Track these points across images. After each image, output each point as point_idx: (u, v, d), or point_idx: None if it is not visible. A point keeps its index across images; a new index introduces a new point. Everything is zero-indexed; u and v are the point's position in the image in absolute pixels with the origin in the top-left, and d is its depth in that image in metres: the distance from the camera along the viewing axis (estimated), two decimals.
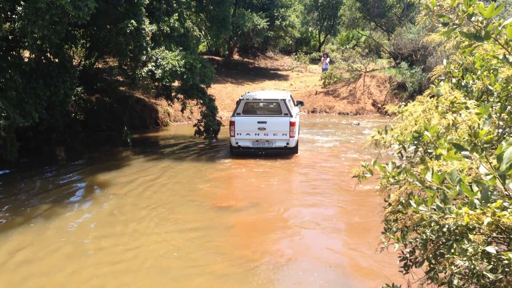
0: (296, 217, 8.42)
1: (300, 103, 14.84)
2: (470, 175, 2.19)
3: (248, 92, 14.09)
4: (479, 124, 2.11)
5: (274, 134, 12.28)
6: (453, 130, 2.35)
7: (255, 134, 12.29)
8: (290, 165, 12.01)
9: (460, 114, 2.34)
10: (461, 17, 2.32)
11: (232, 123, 12.33)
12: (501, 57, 2.52)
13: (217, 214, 8.36)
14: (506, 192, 1.88)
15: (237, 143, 12.45)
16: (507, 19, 2.28)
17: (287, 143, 12.35)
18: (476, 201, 1.84)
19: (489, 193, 1.85)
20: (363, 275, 6.07)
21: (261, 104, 12.95)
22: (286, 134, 12.23)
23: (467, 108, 2.40)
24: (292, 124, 12.16)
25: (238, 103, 12.63)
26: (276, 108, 12.53)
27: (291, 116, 12.25)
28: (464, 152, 1.96)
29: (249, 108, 12.59)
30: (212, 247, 6.95)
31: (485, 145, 1.89)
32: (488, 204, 1.81)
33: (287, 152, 12.61)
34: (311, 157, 12.72)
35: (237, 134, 12.32)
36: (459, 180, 1.86)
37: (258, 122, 12.27)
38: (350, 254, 6.79)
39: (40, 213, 8.12)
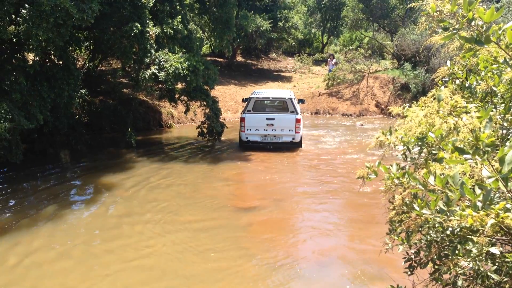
0: (310, 215, 8.61)
1: (301, 101, 15.51)
2: (473, 177, 2.20)
3: (255, 91, 14.72)
4: (480, 128, 2.11)
5: (281, 130, 13.21)
6: (455, 133, 2.35)
7: (264, 129, 13.22)
8: (298, 164, 12.24)
9: (461, 118, 2.35)
10: (461, 22, 2.32)
11: (242, 119, 13.25)
12: (501, 60, 2.52)
13: (231, 214, 8.44)
14: (509, 194, 1.88)
15: (247, 137, 13.34)
16: (509, 20, 2.28)
17: (293, 138, 13.27)
18: (479, 204, 1.84)
19: (492, 195, 1.85)
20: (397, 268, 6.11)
21: (269, 102, 13.88)
22: (292, 130, 13.16)
23: (468, 112, 2.41)
24: (297, 121, 13.09)
25: (248, 100, 13.49)
26: (283, 106, 13.46)
27: (297, 113, 13.20)
28: (466, 156, 1.96)
29: (258, 105, 13.48)
30: (236, 248, 6.98)
31: (486, 148, 1.90)
32: (492, 206, 1.81)
33: (293, 147, 13.44)
34: (316, 156, 12.82)
35: (247, 129, 13.23)
36: (462, 183, 1.87)
37: (267, 119, 13.20)
38: (375, 247, 6.85)
39: (45, 215, 8.15)
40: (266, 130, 13.23)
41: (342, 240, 7.40)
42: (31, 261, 6.45)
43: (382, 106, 21.23)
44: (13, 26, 9.30)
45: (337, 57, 25.27)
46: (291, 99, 13.31)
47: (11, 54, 9.93)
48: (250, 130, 13.23)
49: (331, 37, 35.93)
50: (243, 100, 15.33)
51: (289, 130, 13.16)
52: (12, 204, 8.76)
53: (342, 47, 32.78)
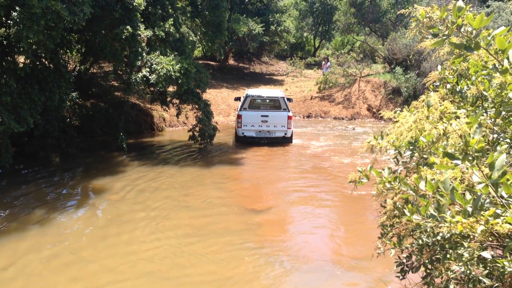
0: (314, 216, 8.75)
1: (288, 100, 16.33)
2: (463, 182, 2.21)
3: (248, 90, 15.78)
4: (469, 133, 2.12)
5: (274, 126, 14.43)
6: (445, 139, 2.37)
7: (259, 125, 14.41)
8: (291, 166, 12.29)
9: (451, 124, 2.36)
10: (451, 28, 2.34)
11: (239, 116, 14.39)
12: (491, 66, 2.54)
13: (230, 216, 8.49)
14: (499, 200, 1.89)
15: (243, 133, 14.48)
16: (499, 26, 2.30)
17: (285, 134, 14.52)
18: (469, 209, 1.85)
19: (482, 201, 1.86)
20: None
21: (264, 101, 15.03)
22: (284, 126, 14.43)
23: (457, 117, 2.42)
24: (289, 118, 14.42)
25: (244, 99, 14.56)
26: (276, 104, 14.67)
27: (289, 111, 14.47)
28: (456, 161, 1.97)
29: (253, 104, 14.67)
30: (245, 248, 7.02)
31: (476, 154, 1.91)
32: (482, 212, 1.82)
33: (285, 142, 14.68)
34: (309, 159, 12.85)
35: (244, 125, 14.38)
36: (453, 189, 1.87)
37: (262, 116, 14.39)
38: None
39: (35, 219, 8.07)
40: (261, 126, 14.38)
41: (358, 240, 7.53)
42: (17, 268, 6.37)
43: (374, 110, 21.33)
44: (4, 29, 9.21)
45: (330, 60, 25.42)
46: (283, 98, 14.57)
47: (1, 56, 9.82)
48: (246, 126, 14.34)
49: (323, 40, 36.08)
50: (236, 99, 16.62)
51: (282, 126, 14.39)
52: (1, 209, 8.65)
53: (334, 51, 32.96)
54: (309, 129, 18.43)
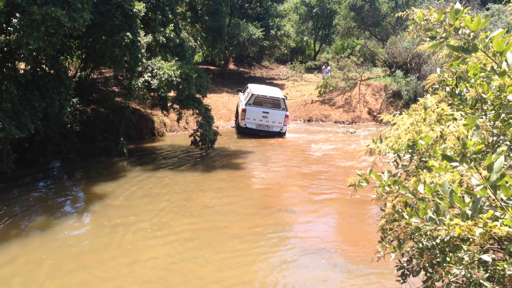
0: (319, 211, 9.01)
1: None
2: (462, 185, 2.19)
3: (249, 85, 18.00)
4: (467, 135, 2.11)
5: (273, 122, 16.65)
6: (442, 141, 2.36)
7: (259, 120, 16.60)
8: (291, 171, 12.23)
9: (448, 126, 2.35)
10: (448, 31, 2.33)
11: (244, 110, 16.64)
12: (489, 68, 2.53)
13: (229, 222, 8.47)
14: (498, 202, 1.88)
15: (245, 124, 16.68)
16: (499, 28, 2.30)
17: (281, 129, 16.79)
18: (469, 212, 1.83)
19: (481, 203, 1.84)
20: None
21: (266, 99, 16.78)
22: (281, 123, 16.69)
23: (454, 119, 2.41)
24: (286, 116, 16.76)
25: (250, 96, 16.64)
26: (276, 103, 16.75)
27: (287, 110, 16.75)
28: (454, 163, 1.96)
29: (257, 101, 16.65)
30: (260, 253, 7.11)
31: (474, 156, 1.90)
32: (480, 215, 1.80)
33: (279, 136, 16.77)
34: (309, 162, 12.84)
35: (247, 118, 16.59)
36: (451, 191, 1.86)
37: (263, 112, 16.56)
38: None
39: (33, 224, 8.06)
40: (261, 120, 16.55)
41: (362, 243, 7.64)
42: (15, 272, 6.35)
43: (375, 113, 21.33)
44: (4, 35, 9.24)
45: (330, 64, 25.44)
46: (283, 99, 16.82)
47: (2, 63, 9.84)
48: (249, 119, 16.53)
49: (323, 44, 36.14)
50: (237, 91, 19.47)
51: (279, 123, 16.59)
52: (1, 214, 8.64)
53: (334, 55, 32.99)
54: (309, 132, 18.44)
